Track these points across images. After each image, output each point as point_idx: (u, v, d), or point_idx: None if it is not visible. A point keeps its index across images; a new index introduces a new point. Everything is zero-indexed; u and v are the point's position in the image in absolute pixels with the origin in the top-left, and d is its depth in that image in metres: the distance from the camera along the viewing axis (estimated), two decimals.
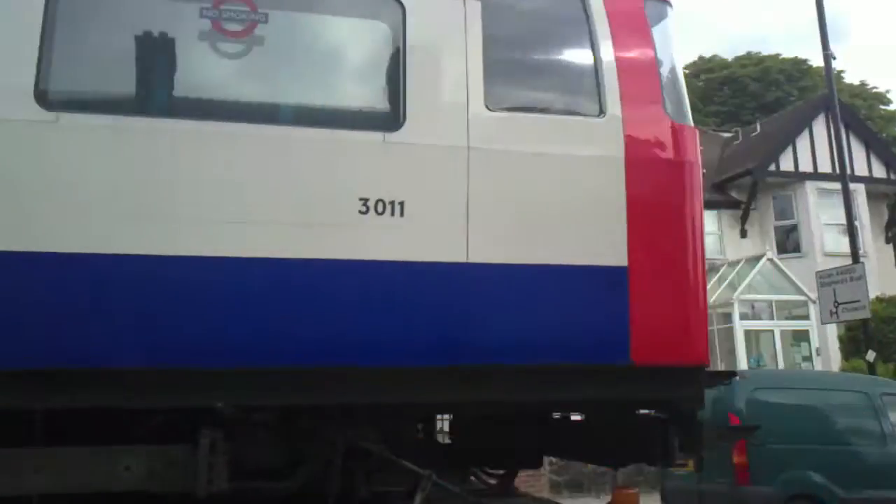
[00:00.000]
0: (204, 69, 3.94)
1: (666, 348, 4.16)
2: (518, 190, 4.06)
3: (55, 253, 3.40)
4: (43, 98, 3.53)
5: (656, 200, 4.27)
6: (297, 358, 3.68)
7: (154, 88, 3.91)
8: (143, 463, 3.58)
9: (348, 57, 4.16)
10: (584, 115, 4.27)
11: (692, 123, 4.62)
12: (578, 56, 4.40)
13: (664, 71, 4.61)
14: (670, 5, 4.82)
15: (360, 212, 3.79)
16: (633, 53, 4.40)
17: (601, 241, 4.11)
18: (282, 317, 3.65)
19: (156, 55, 3.89)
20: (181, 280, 3.55)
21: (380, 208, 3.82)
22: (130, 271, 3.50)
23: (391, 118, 3.96)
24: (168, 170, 3.59)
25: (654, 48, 4.46)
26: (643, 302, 4.12)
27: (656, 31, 4.63)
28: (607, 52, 4.34)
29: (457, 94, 4.05)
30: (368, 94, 4.17)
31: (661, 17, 4.76)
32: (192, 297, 3.56)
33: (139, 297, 3.49)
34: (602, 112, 4.25)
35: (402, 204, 3.86)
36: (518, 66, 4.43)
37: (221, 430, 3.72)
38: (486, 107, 4.08)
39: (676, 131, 4.39)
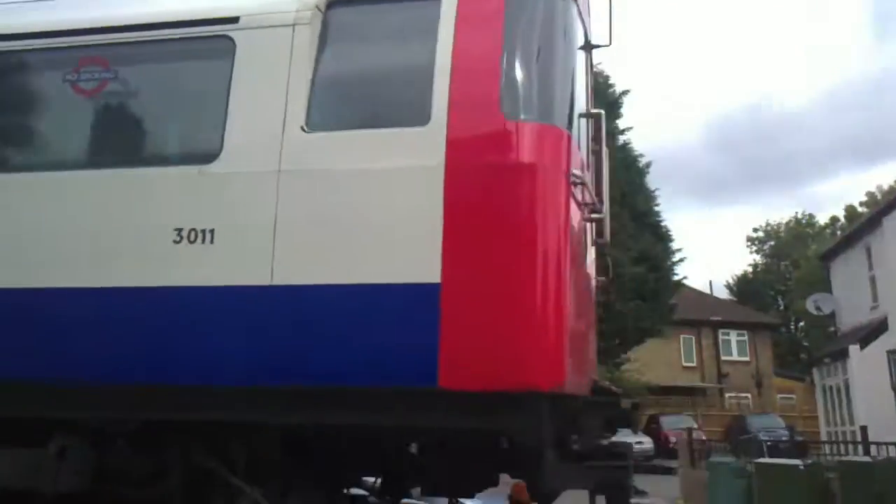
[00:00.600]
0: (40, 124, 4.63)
1: (488, 372, 3.75)
2: (329, 209, 4.01)
3: None
4: None
5: (484, 209, 3.88)
6: (121, 376, 4.07)
7: None
8: (7, 464, 4.25)
9: (179, 100, 4.48)
10: (410, 125, 4.05)
11: (564, 123, 4.10)
12: (417, 66, 4.16)
13: (527, 67, 4.15)
14: None
15: (175, 241, 4.08)
16: (474, 55, 4.06)
17: (411, 258, 3.87)
18: (100, 339, 4.09)
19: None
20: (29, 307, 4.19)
21: (192, 237, 4.08)
22: None
23: (211, 151, 4.19)
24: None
25: (501, 44, 4.06)
26: (459, 321, 3.78)
27: (533, 23, 4.20)
28: (445, 57, 4.07)
29: (274, 120, 4.14)
30: (194, 132, 4.43)
31: (546, 8, 4.28)
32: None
33: None
34: (428, 120, 4.00)
35: (212, 231, 4.07)
36: (353, 85, 4.36)
37: (76, 438, 4.26)
38: (303, 129, 4.10)
39: (516, 132, 3.95)
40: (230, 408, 4.02)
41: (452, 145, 3.93)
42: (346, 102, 4.33)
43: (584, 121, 4.87)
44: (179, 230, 4.09)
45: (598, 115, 5.00)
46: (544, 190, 3.92)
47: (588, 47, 5.21)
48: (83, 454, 4.30)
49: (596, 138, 5.24)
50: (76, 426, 4.32)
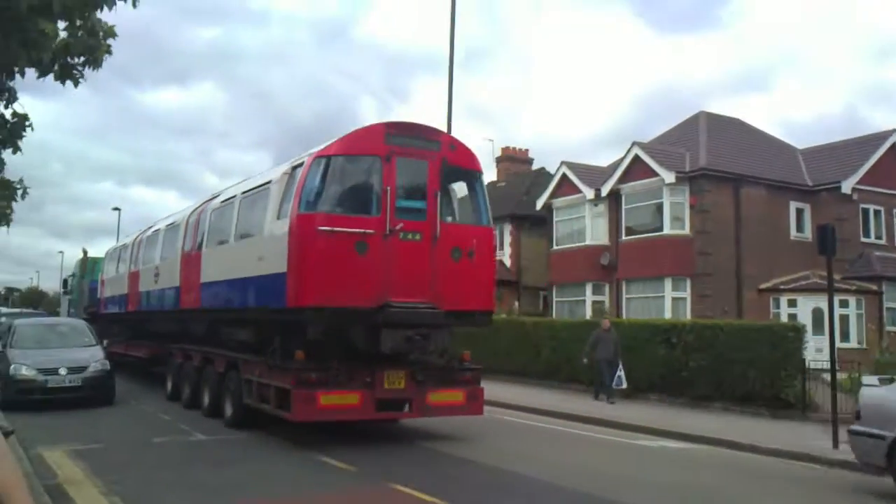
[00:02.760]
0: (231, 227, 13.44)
1: (296, 299, 11.07)
2: (271, 247, 11.79)
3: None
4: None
5: (294, 245, 11.19)
6: (261, 302, 12.69)
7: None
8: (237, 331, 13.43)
9: (259, 210, 12.64)
10: (286, 217, 11.50)
11: (327, 210, 10.96)
12: (292, 195, 11.53)
13: (306, 191, 11.12)
14: (335, 156, 11.07)
15: (257, 261, 12.40)
16: (299, 187, 11.25)
17: (279, 261, 11.42)
18: (241, 294, 12.83)
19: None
20: (221, 287, 13.19)
21: (263, 258, 12.32)
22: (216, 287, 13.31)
23: (263, 226, 12.37)
24: (222, 260, 13.45)
25: (303, 181, 11.13)
26: (291, 282, 11.24)
27: (314, 173, 11.17)
28: (296, 189, 11.35)
29: (272, 215, 12.09)
30: (261, 220, 12.52)
31: (329, 165, 11.12)
32: (223, 291, 13.18)
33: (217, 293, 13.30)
34: (287, 216, 11.38)
35: (263, 257, 12.24)
36: (283, 201, 11.82)
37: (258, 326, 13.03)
38: (275, 219, 11.92)
39: (298, 217, 11.08)
40: (267, 317, 12.15)
41: (290, 224, 11.25)
42: (281, 208, 11.89)
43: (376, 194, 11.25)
44: (260, 256, 12.37)
45: (385, 190, 11.18)
46: (302, 237, 11.06)
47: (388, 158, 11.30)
48: (254, 330, 13.03)
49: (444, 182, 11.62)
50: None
